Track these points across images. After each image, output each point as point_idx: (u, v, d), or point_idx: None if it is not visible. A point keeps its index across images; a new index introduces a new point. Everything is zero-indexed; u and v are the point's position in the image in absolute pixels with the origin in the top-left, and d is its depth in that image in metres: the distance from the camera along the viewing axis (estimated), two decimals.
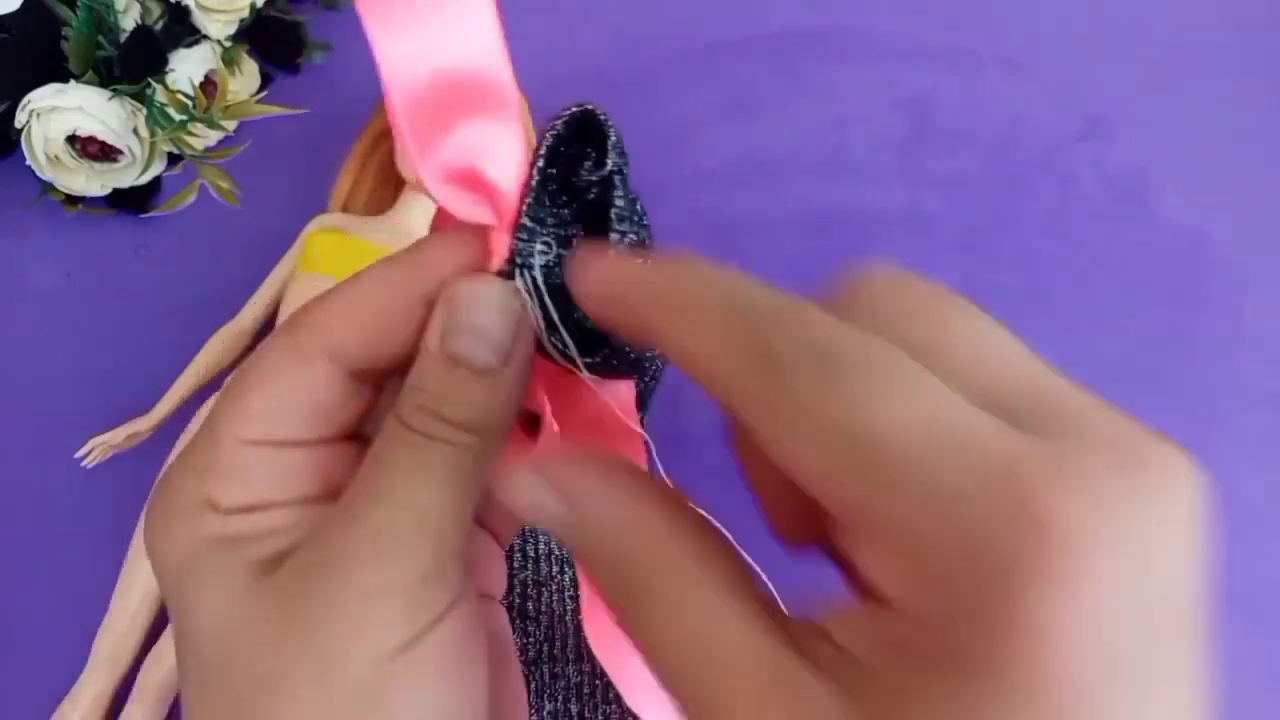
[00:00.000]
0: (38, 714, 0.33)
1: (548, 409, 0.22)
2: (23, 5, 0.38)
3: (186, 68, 0.40)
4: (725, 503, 0.37)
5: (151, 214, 0.42)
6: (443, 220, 0.35)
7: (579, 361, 0.21)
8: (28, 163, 0.39)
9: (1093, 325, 0.39)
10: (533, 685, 0.35)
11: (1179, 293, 0.40)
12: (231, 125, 0.42)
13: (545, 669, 0.35)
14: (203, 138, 0.42)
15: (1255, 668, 0.34)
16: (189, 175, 0.41)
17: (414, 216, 0.39)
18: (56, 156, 0.39)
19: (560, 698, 0.35)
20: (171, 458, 0.34)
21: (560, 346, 0.21)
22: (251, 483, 0.20)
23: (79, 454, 0.37)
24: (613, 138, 0.21)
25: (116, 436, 0.37)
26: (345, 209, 0.40)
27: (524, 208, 0.20)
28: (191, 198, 0.41)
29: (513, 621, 0.35)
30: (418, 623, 0.19)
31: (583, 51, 0.45)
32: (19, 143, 0.39)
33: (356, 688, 0.18)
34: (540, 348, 0.21)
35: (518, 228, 0.20)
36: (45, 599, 0.36)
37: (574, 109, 0.21)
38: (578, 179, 0.21)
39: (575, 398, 0.23)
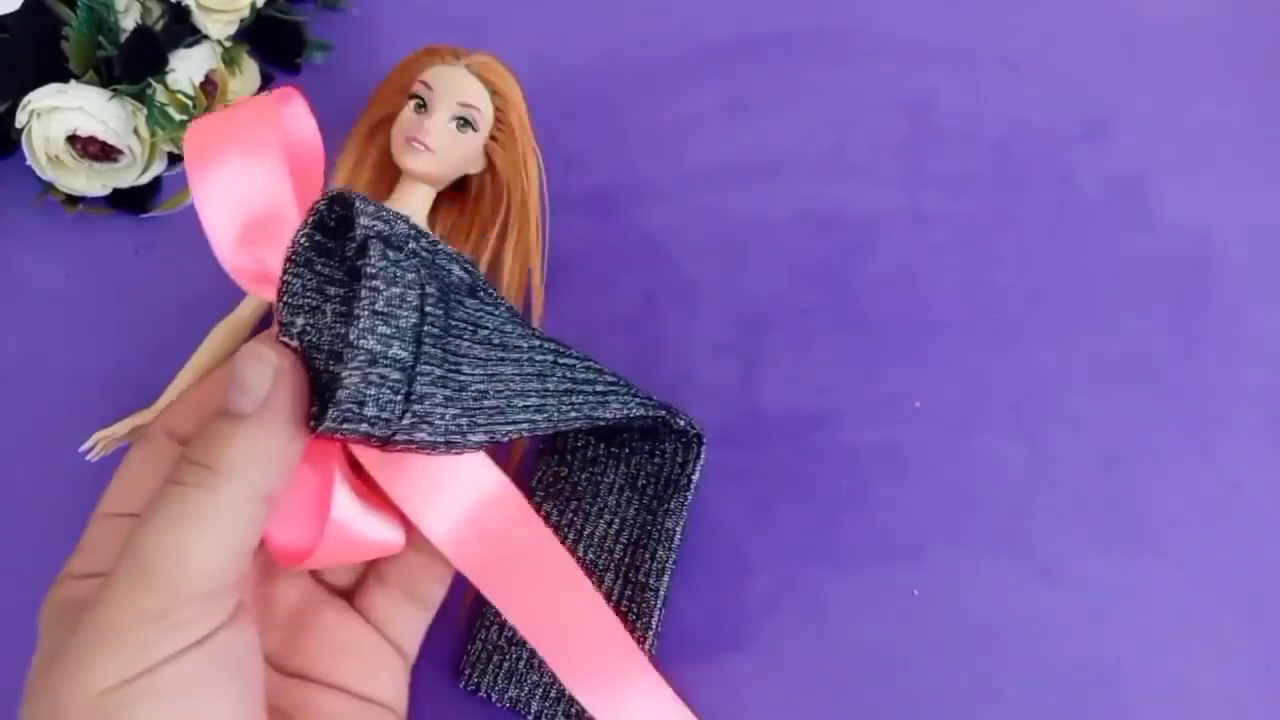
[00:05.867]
0: None
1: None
2: (23, 5, 0.38)
3: (187, 68, 0.40)
4: (725, 503, 0.37)
5: (151, 214, 0.42)
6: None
7: (313, 420, 0.23)
8: (28, 163, 0.39)
9: (1093, 325, 0.39)
10: None
11: (1180, 293, 0.40)
12: None
13: None
14: None
15: (1255, 667, 0.34)
16: None
17: (414, 203, 0.38)
18: (56, 156, 0.39)
19: None
20: None
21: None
22: (99, 552, 0.23)
23: (83, 448, 0.37)
24: (359, 205, 0.24)
25: (119, 430, 0.37)
26: None
27: (283, 282, 0.24)
28: (191, 198, 0.41)
29: None
30: (136, 663, 0.19)
31: (583, 51, 0.45)
32: (19, 143, 0.39)
33: None
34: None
35: (280, 300, 0.24)
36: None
37: (329, 196, 0.24)
38: (350, 257, 0.24)
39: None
